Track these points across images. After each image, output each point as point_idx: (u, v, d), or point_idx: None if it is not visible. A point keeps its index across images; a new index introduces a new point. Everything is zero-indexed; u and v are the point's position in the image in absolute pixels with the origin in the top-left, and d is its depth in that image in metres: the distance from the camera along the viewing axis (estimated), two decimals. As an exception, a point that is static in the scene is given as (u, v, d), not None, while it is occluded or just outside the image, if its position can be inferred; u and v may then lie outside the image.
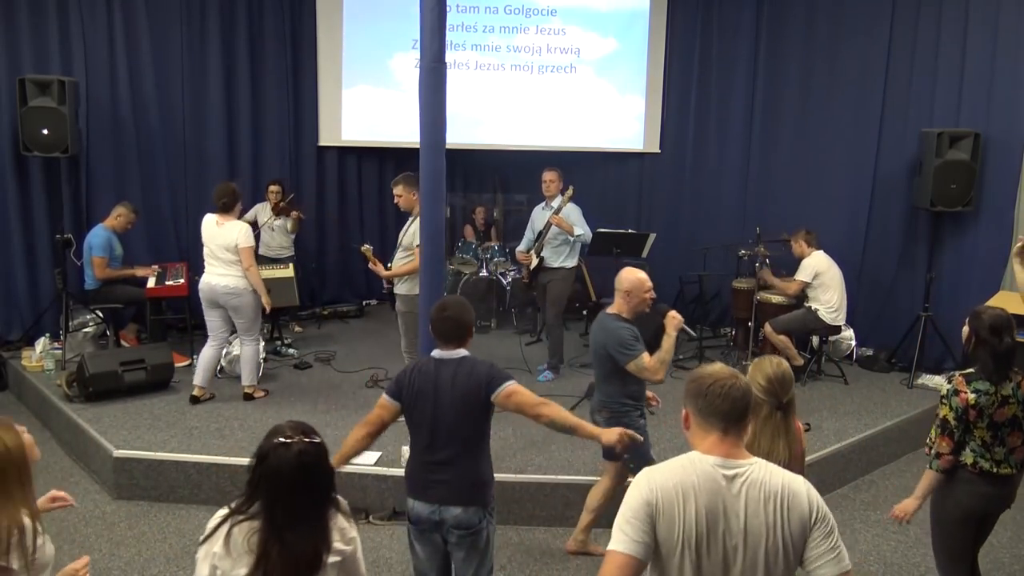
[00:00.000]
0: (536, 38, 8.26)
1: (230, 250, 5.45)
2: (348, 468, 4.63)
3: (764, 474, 2.00)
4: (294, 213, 7.44)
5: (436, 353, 3.07)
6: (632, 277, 3.99)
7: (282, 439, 2.07)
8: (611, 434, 3.06)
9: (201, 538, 2.14)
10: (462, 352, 3.04)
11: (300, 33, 8.11)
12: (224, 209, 5.53)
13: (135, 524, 4.52)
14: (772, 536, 1.95)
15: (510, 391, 2.97)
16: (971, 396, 3.16)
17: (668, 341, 3.89)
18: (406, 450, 4.67)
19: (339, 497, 2.22)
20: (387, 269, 5.58)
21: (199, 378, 5.68)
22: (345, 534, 2.18)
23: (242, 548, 2.06)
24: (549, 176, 6.44)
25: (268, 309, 5.75)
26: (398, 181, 5.48)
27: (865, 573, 4.26)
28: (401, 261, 5.47)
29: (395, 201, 5.54)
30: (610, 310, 4.04)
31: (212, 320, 5.66)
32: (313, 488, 2.08)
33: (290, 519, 2.05)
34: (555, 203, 6.37)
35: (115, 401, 5.53)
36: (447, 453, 2.97)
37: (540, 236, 6.40)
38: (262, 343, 6.42)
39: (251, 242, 5.56)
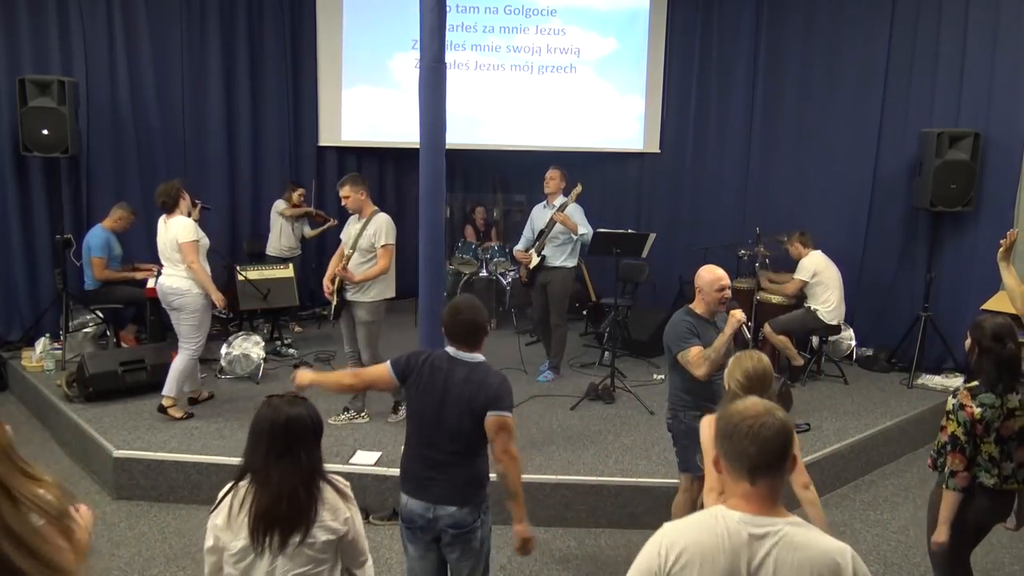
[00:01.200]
0: (536, 38, 8.27)
1: (173, 248, 5.24)
2: (348, 468, 4.66)
3: (800, 537, 1.77)
4: (332, 221, 7.54)
5: (452, 351, 3.02)
6: (707, 276, 3.95)
7: (271, 396, 2.33)
8: (523, 531, 3.01)
9: (212, 508, 2.33)
10: (479, 357, 3.01)
11: (300, 33, 8.11)
12: (164, 208, 5.32)
13: (135, 524, 4.52)
14: None
15: (501, 423, 2.90)
16: (977, 410, 3.07)
17: (720, 338, 3.80)
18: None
19: (337, 477, 2.36)
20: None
21: (167, 387, 5.38)
22: (338, 514, 2.27)
23: (240, 519, 2.22)
24: (551, 173, 6.37)
25: (220, 305, 5.48)
26: (344, 182, 5.26)
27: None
28: (364, 266, 5.19)
29: (343, 204, 5.30)
30: (691, 306, 4.03)
31: (176, 324, 5.45)
32: (292, 436, 2.23)
33: (273, 462, 2.22)
34: (557, 201, 6.31)
35: (115, 401, 5.53)
36: (447, 453, 2.95)
37: (542, 235, 6.34)
38: (261, 347, 6.42)
39: (192, 236, 5.23)
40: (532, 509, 4.57)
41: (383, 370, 3.08)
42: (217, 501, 2.31)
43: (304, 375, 3.07)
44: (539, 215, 6.48)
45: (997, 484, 3.12)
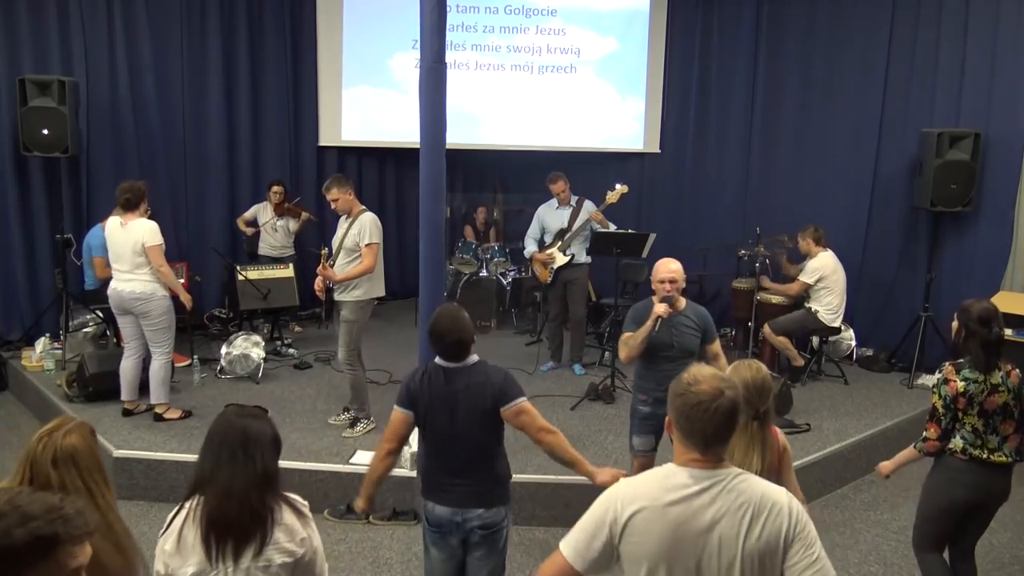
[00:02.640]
0: (536, 38, 8.26)
1: (136, 251, 5.05)
2: (348, 468, 4.66)
3: (742, 483, 1.92)
4: (304, 215, 7.47)
5: (442, 361, 3.00)
6: (656, 266, 4.03)
7: (230, 405, 2.24)
8: (604, 475, 3.02)
9: (160, 532, 2.19)
10: (473, 358, 3.01)
11: (300, 33, 8.11)
12: (126, 206, 5.10)
13: (135, 524, 4.51)
14: (747, 548, 1.86)
15: (519, 409, 2.96)
16: (960, 384, 3.26)
17: (641, 330, 3.91)
18: (406, 450, 4.68)
19: (294, 496, 2.22)
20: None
21: (124, 392, 5.35)
22: (295, 534, 2.14)
23: (191, 541, 2.09)
24: (560, 185, 6.45)
25: (188, 306, 5.40)
26: (330, 185, 5.21)
27: (865, 573, 4.26)
28: (350, 266, 5.18)
29: (332, 207, 5.29)
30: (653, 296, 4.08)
31: (124, 328, 5.31)
32: (248, 439, 2.11)
33: (225, 463, 2.10)
34: (573, 200, 6.46)
35: (115, 401, 5.52)
36: (466, 459, 2.97)
37: (562, 234, 6.41)
38: (261, 347, 6.42)
39: (158, 240, 5.10)
40: (532, 509, 4.59)
41: (398, 416, 3.04)
42: (166, 524, 2.17)
43: (359, 503, 3.18)
44: (552, 215, 6.55)
45: (983, 455, 3.28)
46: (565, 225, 6.45)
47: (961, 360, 3.33)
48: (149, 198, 6.96)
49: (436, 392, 2.95)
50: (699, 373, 1.96)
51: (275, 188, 7.49)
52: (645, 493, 1.93)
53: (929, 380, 6.56)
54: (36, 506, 1.48)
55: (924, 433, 3.37)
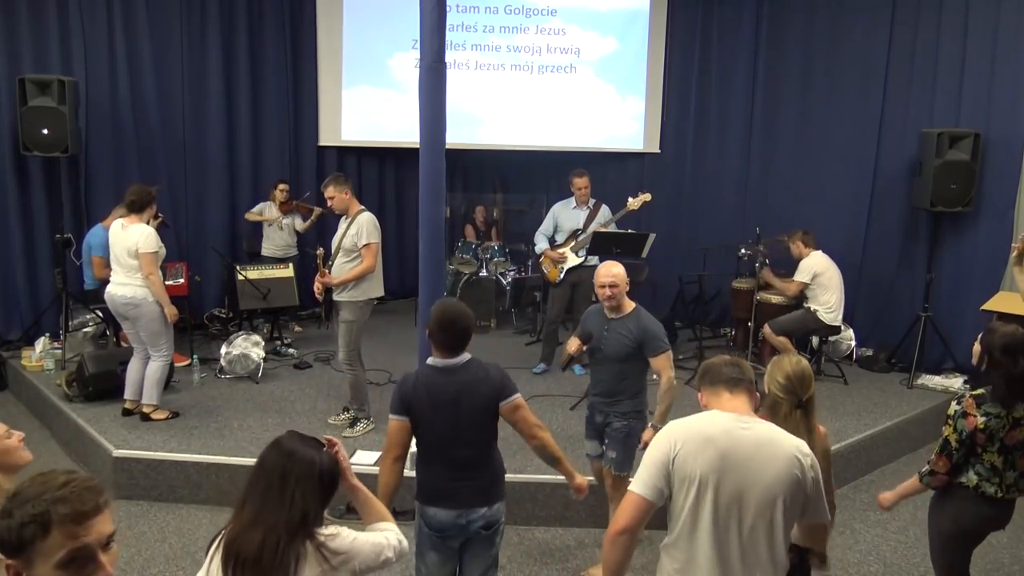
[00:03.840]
0: (536, 38, 8.26)
1: (131, 255, 5.02)
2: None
3: (775, 431, 2.34)
4: (316, 210, 7.46)
5: (436, 361, 2.98)
6: (598, 268, 3.97)
7: (279, 438, 2.06)
8: (580, 479, 3.19)
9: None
10: (465, 356, 3.00)
11: (300, 33, 8.11)
12: (131, 208, 5.10)
13: (135, 524, 4.52)
14: (783, 483, 2.24)
15: (516, 404, 2.99)
16: (980, 420, 3.01)
17: (564, 351, 4.07)
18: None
19: (329, 539, 1.99)
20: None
21: (128, 391, 5.34)
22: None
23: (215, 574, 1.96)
24: (583, 182, 6.41)
25: (173, 319, 5.21)
26: (327, 183, 5.20)
27: (865, 573, 4.26)
28: (348, 266, 5.17)
29: (328, 205, 5.29)
30: None
31: (129, 330, 5.29)
32: (287, 472, 1.95)
33: (258, 495, 1.95)
34: (591, 203, 6.45)
35: (115, 401, 5.52)
36: (470, 458, 2.97)
37: (576, 234, 6.40)
38: (261, 347, 6.42)
39: (153, 247, 5.05)
40: (532, 509, 4.59)
41: (396, 425, 2.96)
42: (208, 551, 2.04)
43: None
44: (568, 214, 6.52)
45: (998, 493, 3.08)
46: (580, 226, 6.41)
47: (982, 391, 3.06)
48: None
49: (434, 394, 2.93)
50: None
51: (281, 186, 7.51)
52: (696, 429, 2.31)
53: (929, 380, 6.56)
54: (34, 488, 1.53)
55: (931, 466, 3.13)
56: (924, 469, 3.19)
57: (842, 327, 6.69)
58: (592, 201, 6.48)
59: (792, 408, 2.69)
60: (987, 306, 6.09)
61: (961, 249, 6.75)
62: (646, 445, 3.61)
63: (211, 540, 2.05)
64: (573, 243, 6.42)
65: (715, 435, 2.27)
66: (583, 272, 6.38)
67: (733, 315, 7.42)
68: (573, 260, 6.41)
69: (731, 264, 7.44)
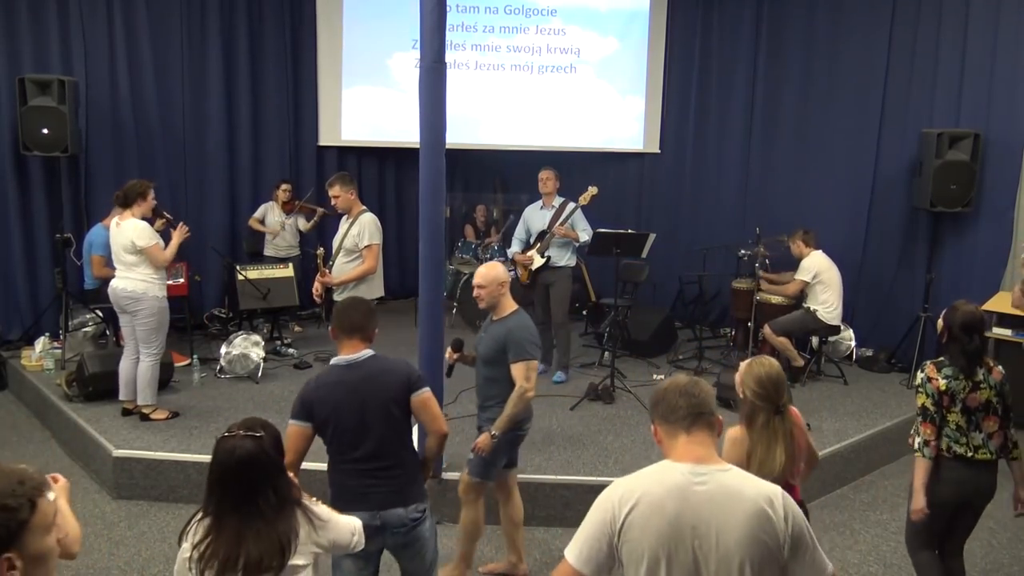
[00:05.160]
0: (536, 38, 8.27)
1: (128, 250, 5.06)
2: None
3: (737, 482, 1.96)
4: (320, 210, 7.47)
5: (340, 360, 2.95)
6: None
7: (225, 434, 2.13)
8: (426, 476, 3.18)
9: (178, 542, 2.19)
10: (368, 351, 2.97)
11: (300, 33, 8.11)
12: (121, 204, 5.14)
13: (135, 524, 4.52)
14: (746, 547, 1.88)
15: (427, 397, 2.98)
16: (942, 382, 3.26)
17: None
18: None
19: (311, 504, 2.21)
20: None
21: (123, 392, 5.33)
22: (306, 548, 2.15)
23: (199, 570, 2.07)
24: (546, 175, 6.34)
25: (184, 236, 5.29)
26: (333, 182, 5.22)
27: (865, 573, 4.26)
28: (349, 266, 5.18)
29: (332, 203, 5.30)
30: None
31: (125, 327, 5.33)
32: (249, 482, 2.07)
33: (228, 511, 2.07)
34: (556, 202, 6.32)
35: (115, 401, 5.51)
36: (381, 456, 2.89)
37: (543, 236, 6.34)
38: (261, 347, 6.42)
39: (149, 240, 5.06)
40: (532, 509, 4.59)
41: (295, 431, 2.86)
42: (179, 539, 2.19)
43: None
44: (536, 216, 6.46)
45: (967, 452, 3.29)
46: (545, 226, 6.33)
47: (941, 359, 3.35)
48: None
49: (337, 392, 2.87)
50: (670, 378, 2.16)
51: (284, 186, 7.52)
52: (644, 488, 1.95)
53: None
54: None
55: (920, 438, 3.32)
56: (917, 442, 3.33)
57: (842, 327, 6.69)
58: (560, 200, 6.33)
59: (771, 415, 2.67)
60: (987, 306, 6.09)
61: (961, 249, 6.75)
62: (481, 451, 3.63)
63: (181, 536, 2.16)
64: (539, 244, 6.37)
65: (665, 498, 1.92)
66: (553, 274, 6.32)
67: (733, 315, 7.42)
68: (538, 261, 6.32)
69: (731, 264, 7.44)
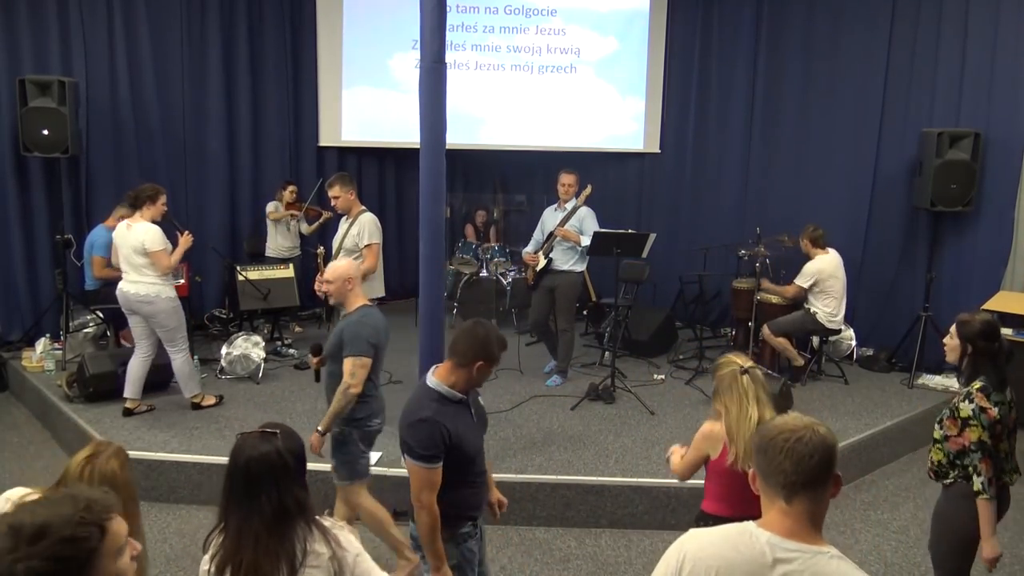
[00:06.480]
0: (536, 38, 8.27)
1: (139, 253, 5.13)
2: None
3: (835, 569, 1.66)
4: (326, 214, 7.48)
5: (443, 388, 2.75)
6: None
7: (241, 434, 2.11)
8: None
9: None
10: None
11: (300, 33, 8.12)
12: (131, 206, 5.25)
13: (135, 524, 4.52)
14: None
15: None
16: (995, 411, 2.98)
17: None
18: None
19: (323, 518, 2.11)
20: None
21: (128, 390, 5.38)
22: (320, 559, 2.03)
23: None
24: (567, 180, 6.25)
25: (187, 244, 5.41)
26: (333, 182, 5.23)
27: (865, 573, 4.25)
28: None
29: (332, 204, 5.32)
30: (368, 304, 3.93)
31: (135, 328, 5.36)
32: (252, 479, 2.01)
33: (233, 509, 2.02)
34: (569, 205, 6.26)
35: (115, 401, 5.52)
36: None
37: (549, 238, 6.31)
38: (261, 348, 6.42)
39: (159, 245, 5.17)
40: (532, 509, 4.60)
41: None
42: (203, 547, 2.11)
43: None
44: (550, 217, 6.43)
45: (1009, 479, 3.12)
46: (552, 229, 6.31)
47: (983, 383, 3.03)
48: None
49: (461, 416, 2.78)
50: (787, 416, 1.79)
51: (290, 188, 7.53)
52: (715, 552, 1.70)
53: (929, 380, 6.56)
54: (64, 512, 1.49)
55: (981, 477, 2.96)
56: (980, 482, 2.98)
57: (842, 327, 6.69)
58: (572, 202, 6.27)
59: (735, 377, 2.86)
60: (987, 306, 6.10)
61: (961, 249, 6.75)
62: (314, 450, 3.58)
63: (204, 546, 2.09)
64: (545, 245, 6.36)
65: (736, 567, 1.66)
66: (556, 277, 6.27)
67: (733, 315, 7.42)
68: (541, 263, 6.31)
69: (731, 264, 7.44)
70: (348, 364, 3.61)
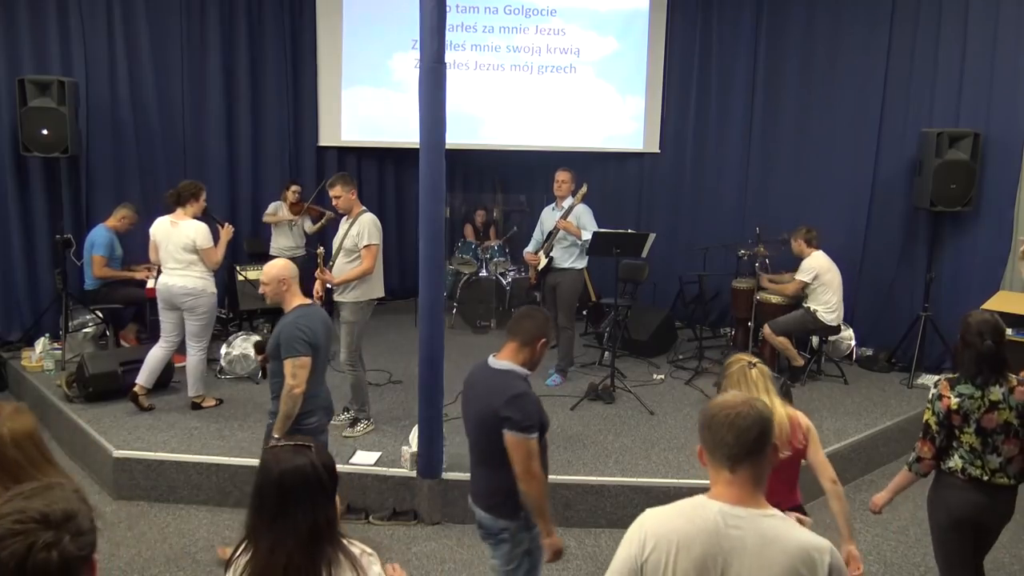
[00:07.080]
0: (536, 38, 8.27)
1: (188, 249, 5.32)
2: (348, 468, 4.66)
3: (775, 530, 1.80)
4: (329, 214, 7.47)
5: (516, 368, 2.91)
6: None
7: (271, 447, 1.99)
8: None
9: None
10: (507, 364, 2.97)
11: (300, 33, 8.11)
12: (178, 202, 5.41)
13: (135, 524, 4.52)
14: None
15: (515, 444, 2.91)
16: (954, 401, 3.12)
17: None
18: (405, 450, 4.69)
19: (352, 543, 1.97)
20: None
21: (143, 377, 5.45)
22: None
23: None
24: (562, 176, 6.28)
25: (229, 234, 5.69)
26: (334, 182, 5.26)
27: (865, 573, 4.25)
28: (349, 266, 5.19)
29: (333, 203, 5.35)
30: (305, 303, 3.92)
31: (166, 323, 5.46)
32: (285, 494, 1.87)
33: (265, 526, 1.88)
34: (566, 203, 6.27)
35: (115, 401, 5.53)
36: (474, 453, 3.13)
37: (549, 237, 6.31)
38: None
39: (211, 242, 5.43)
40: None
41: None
42: (225, 568, 2.00)
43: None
44: (548, 217, 6.45)
45: (983, 476, 3.13)
46: (552, 228, 6.34)
47: (956, 375, 3.19)
48: (152, 198, 6.92)
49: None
50: (727, 393, 1.99)
51: (293, 188, 7.53)
52: (672, 526, 1.84)
53: (929, 380, 6.56)
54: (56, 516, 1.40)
55: (916, 452, 3.22)
56: (911, 457, 3.27)
57: (842, 327, 6.69)
58: (569, 201, 6.30)
59: (744, 370, 3.05)
60: (987, 305, 6.09)
61: (961, 249, 6.75)
62: None
63: (227, 565, 2.00)
64: (546, 244, 6.37)
65: (694, 538, 1.80)
66: (557, 275, 6.30)
67: (733, 315, 7.42)
68: (542, 261, 6.34)
69: (731, 264, 7.44)
70: (287, 366, 3.65)
